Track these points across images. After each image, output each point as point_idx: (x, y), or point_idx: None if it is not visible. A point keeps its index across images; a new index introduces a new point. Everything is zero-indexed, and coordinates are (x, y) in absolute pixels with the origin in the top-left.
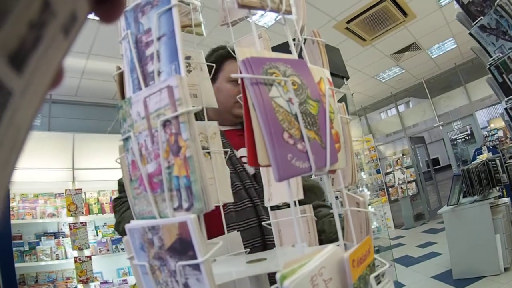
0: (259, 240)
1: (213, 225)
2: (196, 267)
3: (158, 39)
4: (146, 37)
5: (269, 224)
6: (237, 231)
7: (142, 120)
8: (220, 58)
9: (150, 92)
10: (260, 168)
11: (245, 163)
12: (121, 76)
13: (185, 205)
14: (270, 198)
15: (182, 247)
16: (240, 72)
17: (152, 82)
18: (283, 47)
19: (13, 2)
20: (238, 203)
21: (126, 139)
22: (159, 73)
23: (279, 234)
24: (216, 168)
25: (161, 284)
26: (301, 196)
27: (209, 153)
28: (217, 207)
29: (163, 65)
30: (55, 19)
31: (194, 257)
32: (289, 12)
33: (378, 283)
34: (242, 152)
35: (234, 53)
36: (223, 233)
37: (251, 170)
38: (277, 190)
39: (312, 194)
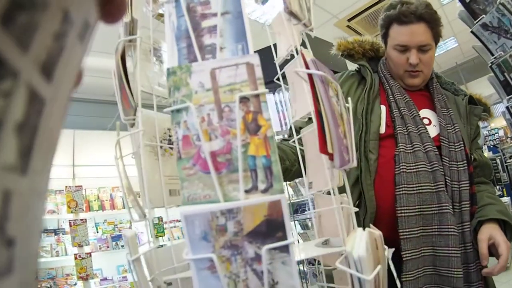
0: (434, 207)
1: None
2: (284, 249)
3: (220, 15)
4: (202, 8)
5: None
6: (405, 194)
7: (207, 92)
8: (387, 21)
9: (222, 64)
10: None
11: (427, 124)
12: (122, 48)
13: (262, 186)
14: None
15: (270, 229)
16: (307, 68)
17: (209, 56)
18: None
19: (41, 17)
20: (412, 164)
21: (177, 111)
22: (221, 48)
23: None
24: None
25: (228, 278)
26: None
27: None
28: (390, 169)
29: (226, 42)
30: (73, 29)
31: (283, 238)
32: (307, 26)
33: None
34: (423, 113)
35: (403, 16)
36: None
37: (432, 132)
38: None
39: (481, 171)
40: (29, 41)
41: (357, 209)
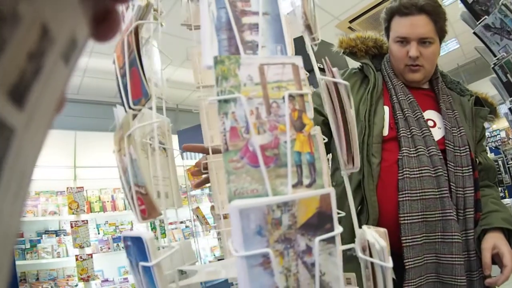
0: (438, 214)
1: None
2: (331, 240)
3: (256, 14)
4: (242, 4)
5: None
6: (408, 200)
7: (256, 86)
8: (389, 14)
9: (270, 61)
10: (209, 171)
11: (432, 126)
12: (136, 29)
13: (306, 181)
14: (223, 206)
15: (320, 221)
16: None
17: (250, 52)
18: None
19: (11, 33)
20: (416, 169)
21: (225, 101)
22: (262, 47)
23: None
24: (172, 168)
25: (280, 273)
26: None
27: (164, 149)
28: (393, 174)
29: (266, 42)
30: (55, 47)
31: (331, 229)
32: (315, 40)
33: None
34: (428, 114)
35: (404, 8)
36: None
37: (437, 135)
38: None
39: (485, 174)
40: None
41: (343, 214)
